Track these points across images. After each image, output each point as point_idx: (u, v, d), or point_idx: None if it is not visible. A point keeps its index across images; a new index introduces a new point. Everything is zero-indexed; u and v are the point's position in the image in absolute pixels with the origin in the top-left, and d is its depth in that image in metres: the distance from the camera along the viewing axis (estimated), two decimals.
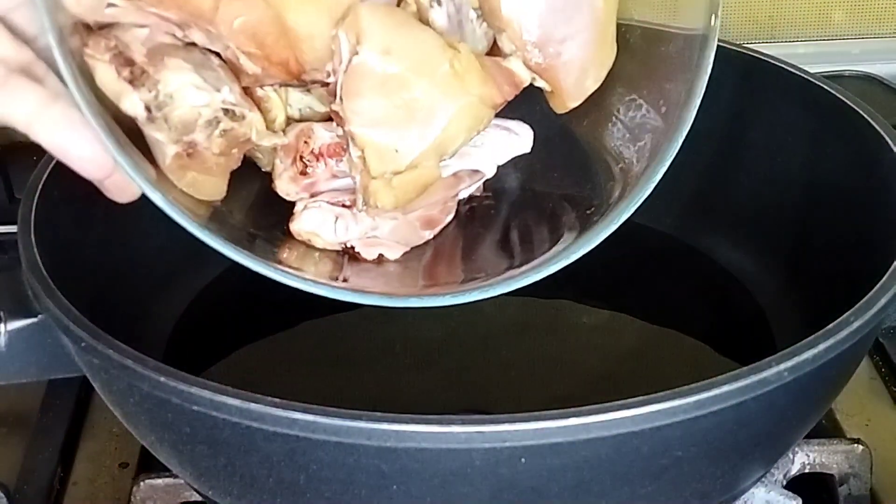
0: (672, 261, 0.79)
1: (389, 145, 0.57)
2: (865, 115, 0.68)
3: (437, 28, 0.60)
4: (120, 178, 0.55)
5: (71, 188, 0.67)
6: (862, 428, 0.71)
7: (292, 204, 0.64)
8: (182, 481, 0.62)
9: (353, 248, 0.63)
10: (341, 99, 0.57)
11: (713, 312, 0.68)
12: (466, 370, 0.71)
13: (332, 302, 0.75)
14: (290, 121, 0.63)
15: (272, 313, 0.76)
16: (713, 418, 0.49)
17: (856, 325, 0.53)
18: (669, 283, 0.78)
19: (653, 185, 0.59)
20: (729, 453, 0.54)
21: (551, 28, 0.61)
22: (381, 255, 0.63)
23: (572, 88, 0.63)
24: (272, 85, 0.60)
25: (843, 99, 0.71)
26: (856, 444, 0.66)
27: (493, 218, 0.69)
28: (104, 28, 0.56)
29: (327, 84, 0.58)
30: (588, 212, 0.64)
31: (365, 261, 0.63)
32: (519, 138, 0.65)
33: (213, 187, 0.60)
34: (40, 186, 0.64)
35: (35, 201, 0.63)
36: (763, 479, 0.62)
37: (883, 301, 0.54)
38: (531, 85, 0.62)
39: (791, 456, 0.65)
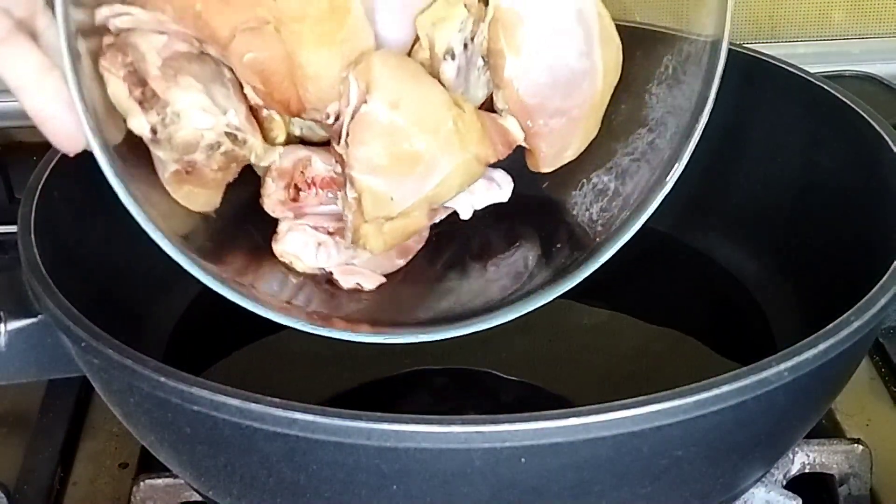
0: (672, 261, 0.79)
1: (386, 193, 0.58)
2: (865, 115, 0.68)
3: (446, 80, 0.61)
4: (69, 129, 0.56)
5: (71, 188, 0.67)
6: (862, 428, 0.71)
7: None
8: (182, 481, 0.62)
9: (330, 273, 0.64)
10: (346, 143, 0.57)
11: (713, 312, 0.68)
12: (466, 370, 0.71)
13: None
14: (289, 137, 0.63)
15: None
16: (713, 418, 0.49)
17: (856, 325, 0.53)
18: (669, 283, 0.78)
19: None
20: (729, 453, 0.54)
21: (547, 99, 0.62)
22: (357, 284, 0.64)
23: (550, 157, 0.64)
24: None
25: (843, 99, 0.71)
26: (856, 444, 0.66)
27: (460, 242, 0.70)
28: (123, 32, 0.56)
29: (327, 123, 0.60)
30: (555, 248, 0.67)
31: (340, 289, 0.64)
32: (500, 189, 0.66)
33: (208, 199, 0.61)
34: (40, 186, 0.64)
35: (35, 201, 0.63)
36: (763, 479, 0.62)
37: (883, 301, 0.54)
38: None
39: (791, 456, 0.65)
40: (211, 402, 0.49)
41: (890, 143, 0.66)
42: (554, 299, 0.62)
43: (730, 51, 0.79)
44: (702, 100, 0.63)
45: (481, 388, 0.69)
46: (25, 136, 0.98)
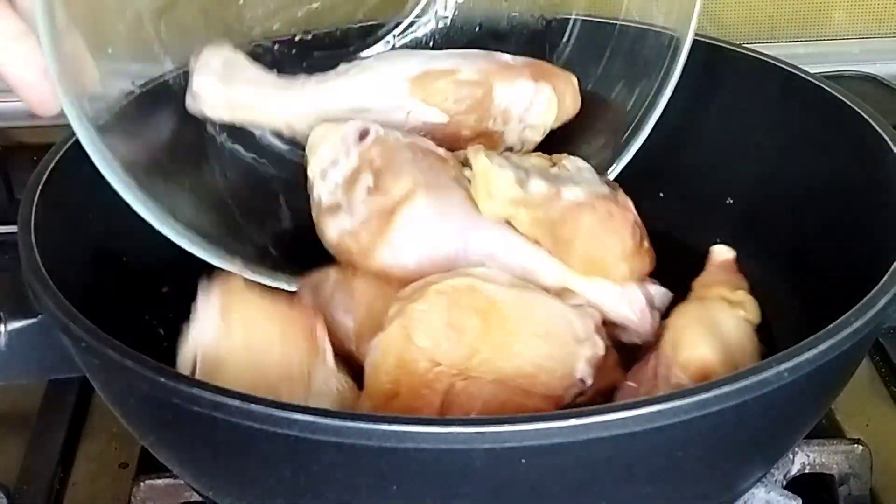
0: (672, 261, 0.79)
1: None
2: (865, 115, 0.68)
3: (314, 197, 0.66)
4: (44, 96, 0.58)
5: (71, 188, 0.67)
6: (862, 428, 0.71)
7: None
8: (182, 481, 0.62)
9: None
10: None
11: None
12: None
13: None
14: None
15: None
16: (713, 419, 0.49)
17: (856, 325, 0.53)
18: (669, 282, 0.78)
19: None
20: (729, 454, 0.54)
21: None
22: None
23: None
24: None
25: (843, 99, 0.71)
26: (856, 445, 0.66)
27: None
28: None
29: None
30: None
31: None
32: None
33: None
34: (40, 186, 0.64)
35: (35, 201, 0.63)
36: (763, 480, 0.62)
37: (883, 301, 0.54)
38: None
39: (791, 456, 0.65)
40: (211, 402, 0.49)
41: (890, 143, 0.66)
42: None
43: (730, 51, 0.79)
44: None
45: None
46: (25, 136, 0.99)
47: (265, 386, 0.55)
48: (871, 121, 0.68)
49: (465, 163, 0.66)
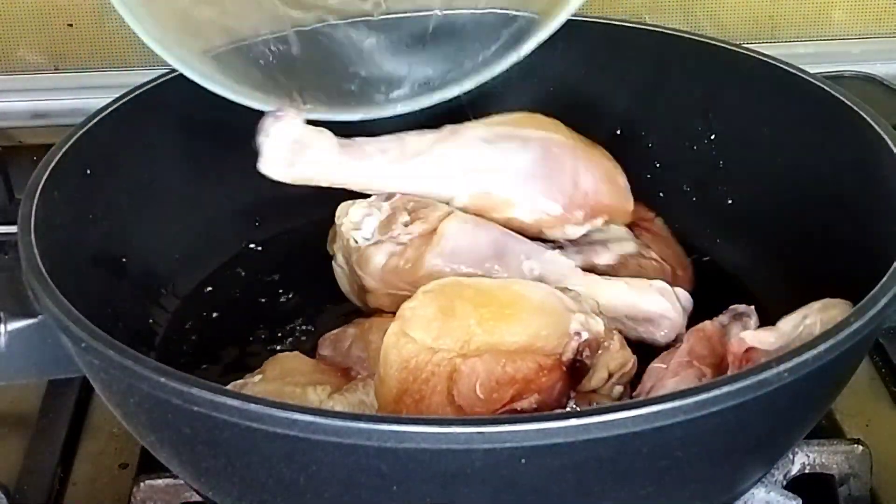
0: None
1: None
2: (865, 115, 0.68)
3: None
4: None
5: (71, 188, 0.67)
6: (862, 428, 0.71)
7: None
8: (182, 482, 0.62)
9: None
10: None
11: (713, 312, 0.67)
12: None
13: (332, 300, 0.76)
14: None
15: (271, 313, 0.76)
16: (713, 419, 0.49)
17: (856, 325, 0.53)
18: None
19: None
20: (729, 454, 0.54)
21: None
22: None
23: None
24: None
25: (843, 99, 0.71)
26: (856, 445, 0.66)
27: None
28: None
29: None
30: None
31: None
32: None
33: None
34: (40, 186, 0.64)
35: (35, 201, 0.63)
36: (763, 480, 0.62)
37: (883, 301, 0.54)
38: None
39: (791, 456, 0.65)
40: (211, 402, 0.49)
41: (890, 143, 0.66)
42: None
43: (730, 51, 0.79)
44: None
45: None
46: (25, 136, 0.99)
47: None
48: (871, 121, 0.68)
49: None
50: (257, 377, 0.64)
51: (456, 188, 0.73)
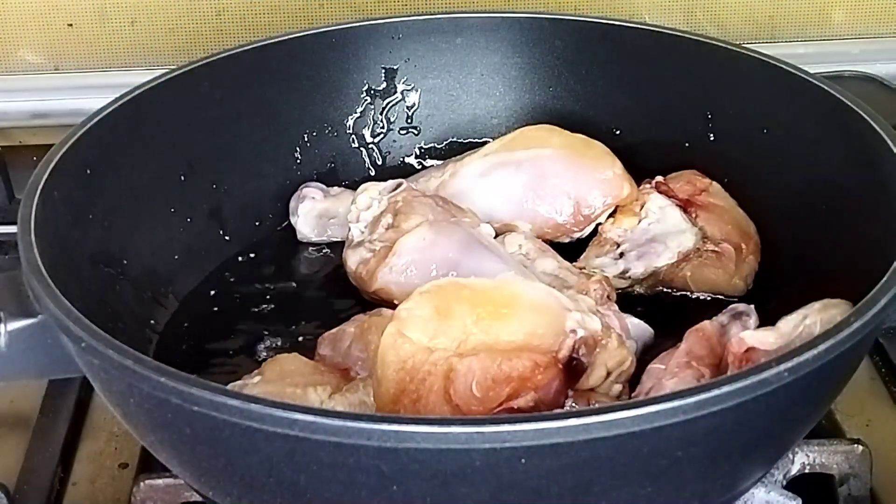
0: None
1: None
2: (865, 116, 0.68)
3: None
4: None
5: (71, 188, 0.67)
6: (862, 428, 0.71)
7: None
8: (182, 482, 0.62)
9: None
10: None
11: (713, 312, 0.68)
12: None
13: (331, 300, 0.76)
14: None
15: (271, 313, 0.76)
16: (713, 419, 0.49)
17: (856, 325, 0.53)
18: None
19: None
20: (729, 454, 0.54)
21: None
22: None
23: None
24: None
25: (843, 99, 0.71)
26: (856, 445, 0.66)
27: None
28: None
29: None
30: None
31: None
32: None
33: None
34: (40, 186, 0.64)
35: (35, 201, 0.63)
36: (763, 480, 0.62)
37: (883, 301, 0.54)
38: None
39: (791, 456, 0.65)
40: (211, 402, 0.49)
41: (890, 143, 0.66)
42: None
43: (730, 51, 0.79)
44: None
45: None
46: (25, 136, 0.99)
47: None
48: (871, 121, 0.68)
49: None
50: (256, 378, 0.64)
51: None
